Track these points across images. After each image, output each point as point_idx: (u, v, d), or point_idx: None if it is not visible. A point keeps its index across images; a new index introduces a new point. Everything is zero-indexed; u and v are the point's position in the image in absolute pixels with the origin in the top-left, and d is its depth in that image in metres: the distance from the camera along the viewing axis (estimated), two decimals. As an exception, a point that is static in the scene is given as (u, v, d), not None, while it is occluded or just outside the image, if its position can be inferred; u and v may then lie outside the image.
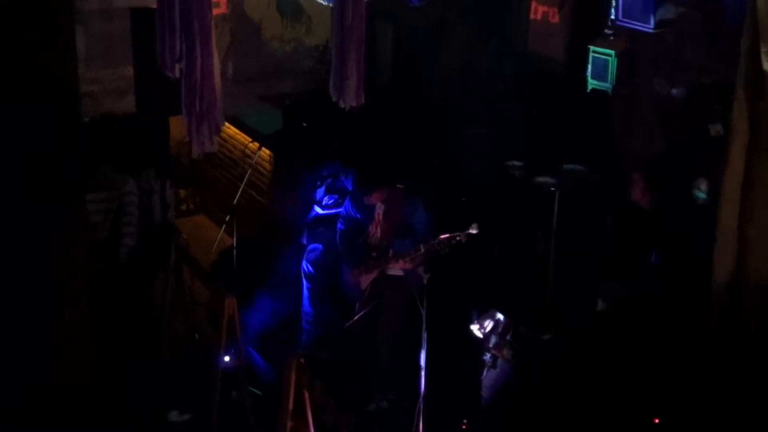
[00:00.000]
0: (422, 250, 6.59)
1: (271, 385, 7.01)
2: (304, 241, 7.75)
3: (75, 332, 5.80)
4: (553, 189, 5.90)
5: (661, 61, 7.18)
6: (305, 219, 7.80)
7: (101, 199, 7.09)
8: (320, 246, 7.56)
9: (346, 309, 7.32)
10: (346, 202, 7.21)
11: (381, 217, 7.00)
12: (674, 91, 7.04)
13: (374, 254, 7.00)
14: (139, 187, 7.44)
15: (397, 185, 6.99)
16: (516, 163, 6.22)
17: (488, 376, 6.47)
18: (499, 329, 6.45)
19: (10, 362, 5.59)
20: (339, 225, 7.22)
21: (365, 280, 7.05)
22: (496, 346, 6.44)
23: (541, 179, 5.99)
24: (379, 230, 7.01)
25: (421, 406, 6.23)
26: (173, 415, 6.84)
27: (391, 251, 6.92)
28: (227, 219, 7.76)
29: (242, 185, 7.81)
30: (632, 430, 6.03)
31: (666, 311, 6.09)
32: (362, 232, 7.10)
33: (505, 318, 6.40)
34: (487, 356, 6.51)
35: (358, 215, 7.12)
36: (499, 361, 6.43)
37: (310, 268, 7.55)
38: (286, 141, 8.02)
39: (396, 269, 6.95)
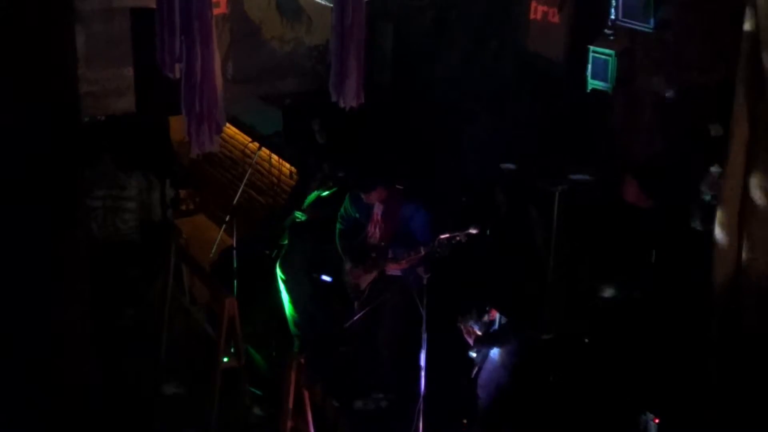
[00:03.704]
0: (422, 252, 6.59)
1: (271, 385, 7.01)
2: (285, 243, 7.75)
3: (75, 332, 5.79)
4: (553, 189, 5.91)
5: (661, 61, 7.18)
6: (286, 222, 7.80)
7: (100, 196, 7.10)
8: (296, 253, 7.56)
9: (337, 310, 7.33)
10: (346, 201, 7.20)
11: (380, 217, 6.99)
12: (669, 93, 7.04)
13: (373, 254, 7.00)
14: (138, 187, 7.45)
15: (397, 186, 6.99)
16: (509, 165, 6.22)
17: (483, 375, 6.46)
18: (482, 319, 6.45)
19: (9, 362, 5.59)
20: (338, 224, 7.22)
21: (364, 281, 7.05)
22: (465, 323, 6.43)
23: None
24: (378, 231, 7.00)
25: (421, 406, 6.23)
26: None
27: (390, 252, 6.92)
28: (227, 219, 7.77)
29: (242, 185, 7.81)
30: (632, 429, 6.03)
31: (666, 311, 6.09)
32: (361, 231, 7.10)
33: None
34: (475, 354, 6.50)
35: (357, 215, 7.12)
36: (492, 356, 6.41)
37: (282, 274, 7.56)
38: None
39: (395, 270, 6.94)
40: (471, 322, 6.43)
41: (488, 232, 6.38)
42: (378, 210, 7.00)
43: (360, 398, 6.97)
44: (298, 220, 7.69)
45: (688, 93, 6.98)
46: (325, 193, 7.63)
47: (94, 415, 6.04)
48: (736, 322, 5.38)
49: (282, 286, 7.60)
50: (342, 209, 7.19)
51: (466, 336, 6.45)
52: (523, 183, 6.64)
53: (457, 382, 6.60)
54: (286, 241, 7.75)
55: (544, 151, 7.36)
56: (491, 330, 6.39)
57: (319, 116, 7.82)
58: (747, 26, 5.14)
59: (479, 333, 6.39)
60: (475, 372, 6.50)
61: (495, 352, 6.41)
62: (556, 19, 8.12)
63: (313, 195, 7.77)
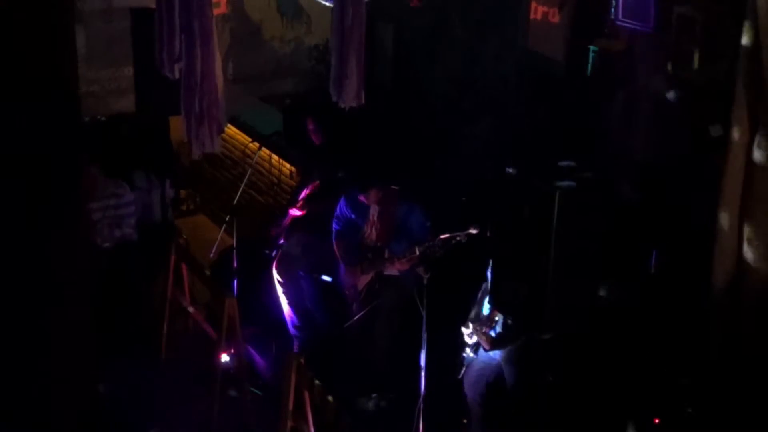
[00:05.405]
0: (417, 252, 6.59)
1: (271, 385, 7.01)
2: (282, 242, 7.74)
3: (75, 332, 5.79)
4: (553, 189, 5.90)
5: (661, 61, 7.17)
6: (283, 221, 7.80)
7: (98, 208, 7.08)
8: (293, 253, 7.56)
9: (336, 310, 7.32)
10: (341, 202, 7.20)
11: (376, 218, 6.99)
12: (670, 95, 7.03)
13: (370, 255, 7.00)
14: (138, 186, 7.45)
15: (392, 186, 6.97)
16: (511, 169, 6.20)
17: (471, 374, 6.44)
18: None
19: (9, 362, 5.59)
20: (334, 225, 7.22)
21: (361, 282, 7.05)
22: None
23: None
24: (374, 231, 7.00)
25: (421, 406, 6.23)
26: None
27: (386, 252, 6.92)
28: (227, 219, 7.77)
29: (242, 185, 7.82)
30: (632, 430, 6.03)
31: (665, 311, 6.09)
32: (357, 232, 7.10)
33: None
34: (465, 355, 6.47)
35: (353, 216, 7.12)
36: (480, 355, 6.38)
37: (278, 275, 7.56)
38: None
39: (392, 270, 6.94)
40: (485, 327, 6.40)
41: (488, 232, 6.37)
42: (374, 211, 6.99)
43: (360, 398, 6.97)
44: (292, 219, 7.70)
45: (688, 93, 6.97)
46: (312, 193, 7.64)
47: (94, 415, 6.05)
48: (737, 322, 5.38)
49: (279, 288, 7.59)
50: (338, 210, 7.19)
51: (482, 340, 6.38)
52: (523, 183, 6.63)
53: (457, 382, 6.60)
54: (283, 241, 7.76)
55: (543, 151, 7.36)
56: (497, 330, 6.38)
57: (313, 115, 7.82)
58: (747, 27, 5.15)
59: (493, 335, 6.35)
60: (462, 372, 6.48)
61: (496, 353, 6.40)
62: (556, 19, 8.12)
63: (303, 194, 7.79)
